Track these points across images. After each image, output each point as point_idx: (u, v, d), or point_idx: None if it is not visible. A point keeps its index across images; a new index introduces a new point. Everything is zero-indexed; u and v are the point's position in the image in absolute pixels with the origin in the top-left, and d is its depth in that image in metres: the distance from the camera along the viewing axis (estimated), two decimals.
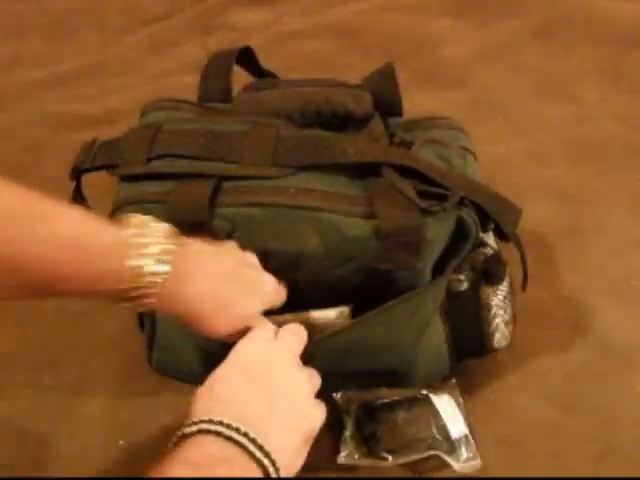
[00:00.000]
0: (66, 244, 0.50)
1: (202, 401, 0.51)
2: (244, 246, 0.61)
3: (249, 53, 0.74)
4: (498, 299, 0.69)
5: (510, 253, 0.67)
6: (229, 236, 0.61)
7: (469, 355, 0.72)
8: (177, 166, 0.62)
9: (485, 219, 0.63)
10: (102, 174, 0.66)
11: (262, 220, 0.60)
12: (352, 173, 0.62)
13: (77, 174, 0.67)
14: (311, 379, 0.56)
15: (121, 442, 0.69)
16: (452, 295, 0.67)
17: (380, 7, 1.38)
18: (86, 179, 0.68)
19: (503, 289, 0.69)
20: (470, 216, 0.62)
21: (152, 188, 0.62)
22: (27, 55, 1.29)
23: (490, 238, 0.67)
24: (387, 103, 0.70)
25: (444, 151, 0.66)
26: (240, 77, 0.75)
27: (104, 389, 0.74)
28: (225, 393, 0.51)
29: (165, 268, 0.52)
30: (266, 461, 0.47)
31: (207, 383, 0.52)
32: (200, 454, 0.46)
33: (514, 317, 0.71)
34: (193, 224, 0.59)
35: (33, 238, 0.49)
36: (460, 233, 0.62)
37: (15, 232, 0.49)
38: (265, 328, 0.58)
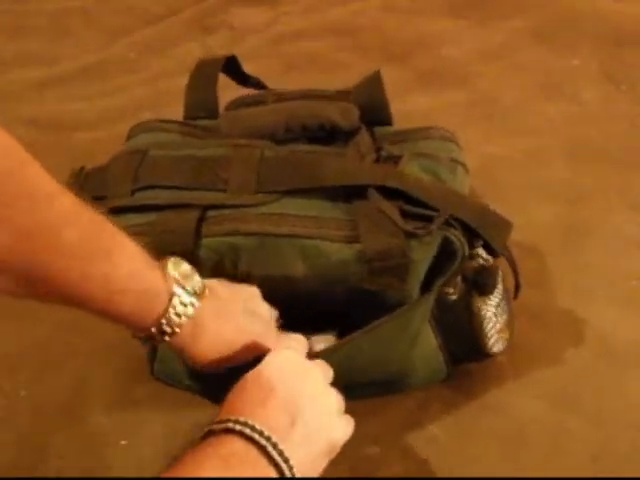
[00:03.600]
0: (119, 288, 0.52)
1: (233, 401, 0.52)
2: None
3: (233, 62, 0.75)
4: (490, 308, 0.68)
5: (502, 258, 0.68)
6: (216, 265, 0.61)
7: (466, 360, 0.72)
8: (162, 197, 0.63)
9: (474, 235, 0.63)
10: None
11: (247, 249, 0.61)
12: (337, 195, 0.62)
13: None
14: (338, 396, 0.56)
15: (123, 442, 0.69)
16: (443, 306, 0.67)
17: (380, 7, 1.38)
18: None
19: (495, 298, 0.68)
20: (457, 237, 0.61)
21: (136, 220, 0.62)
22: (27, 55, 1.29)
23: (481, 249, 0.67)
24: (375, 113, 0.70)
25: (433, 165, 0.66)
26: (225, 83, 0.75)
27: (105, 390, 0.74)
28: (256, 396, 0.52)
29: (191, 311, 0.55)
30: (284, 466, 0.48)
31: (240, 384, 0.53)
32: (222, 451, 0.47)
33: (511, 323, 0.71)
34: (180, 254, 0.58)
35: (88, 275, 0.50)
36: (447, 253, 0.62)
37: (71, 269, 0.49)
38: (299, 341, 0.60)
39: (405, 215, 0.60)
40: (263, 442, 0.48)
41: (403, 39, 1.28)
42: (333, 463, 0.67)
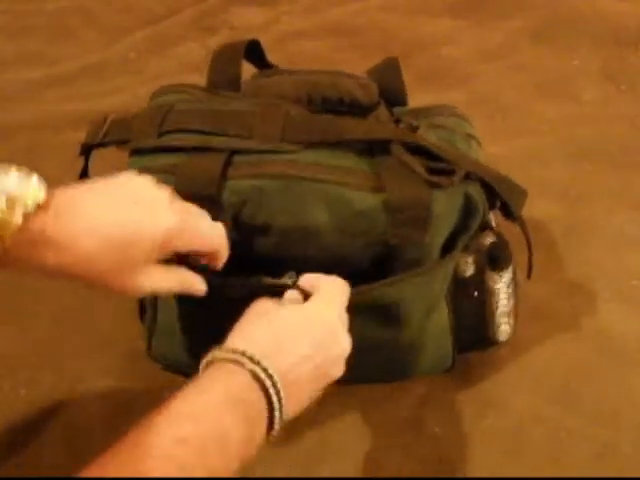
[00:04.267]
0: None
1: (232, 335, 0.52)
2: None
3: (256, 47, 0.74)
4: (503, 286, 0.69)
5: (512, 244, 0.68)
6: (238, 210, 0.61)
7: (471, 347, 0.73)
8: (188, 140, 0.63)
9: (492, 197, 0.64)
10: (110, 159, 0.65)
11: (271, 192, 0.60)
12: (361, 150, 0.63)
13: (87, 150, 0.67)
14: (346, 340, 0.56)
15: None
16: (458, 281, 0.68)
17: (380, 7, 1.38)
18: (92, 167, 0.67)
19: (507, 277, 0.70)
20: (477, 192, 0.62)
21: (162, 160, 0.62)
22: (27, 55, 1.29)
23: (492, 221, 0.68)
24: (392, 94, 0.70)
25: (449, 135, 0.67)
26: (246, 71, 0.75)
27: (103, 388, 0.74)
28: (255, 331, 0.52)
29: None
30: (268, 382, 0.48)
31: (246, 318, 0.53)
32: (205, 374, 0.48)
33: (516, 310, 0.72)
34: (202, 197, 0.59)
35: None
36: (468, 209, 0.63)
37: None
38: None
39: (428, 170, 0.61)
40: (244, 360, 0.48)
41: (403, 39, 1.28)
42: (335, 460, 0.67)
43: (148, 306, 0.72)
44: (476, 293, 0.69)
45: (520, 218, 0.65)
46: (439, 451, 0.68)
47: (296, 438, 0.70)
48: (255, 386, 0.48)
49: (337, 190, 0.60)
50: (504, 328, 0.71)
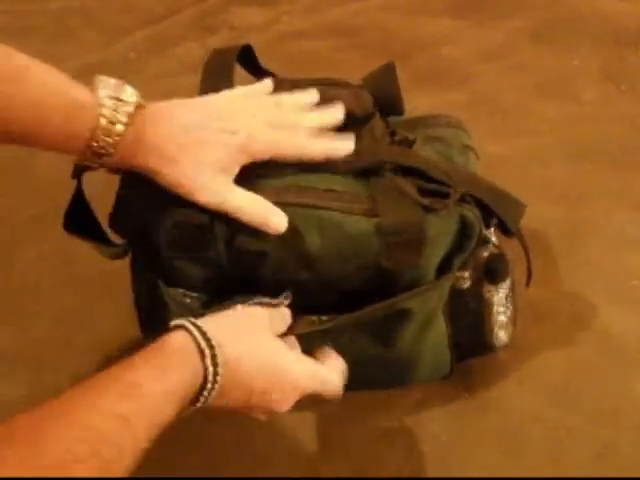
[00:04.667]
0: (39, 103, 0.52)
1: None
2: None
3: (249, 52, 0.74)
4: (500, 298, 0.69)
5: (511, 252, 0.68)
6: (232, 238, 0.60)
7: (470, 355, 0.73)
8: None
9: (488, 215, 0.63)
10: (103, 174, 0.66)
11: None
12: (354, 172, 0.62)
13: (79, 172, 0.67)
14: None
15: None
16: (455, 293, 0.68)
17: (380, 7, 1.38)
18: (87, 179, 0.68)
19: (505, 288, 0.69)
20: (473, 213, 0.62)
21: None
22: (28, 55, 1.29)
23: (492, 235, 0.67)
24: (388, 102, 0.70)
25: (446, 148, 0.66)
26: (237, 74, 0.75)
27: None
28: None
29: (123, 123, 0.53)
30: (207, 351, 0.50)
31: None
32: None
33: (515, 317, 0.71)
34: (196, 225, 0.58)
35: (10, 97, 0.51)
36: (463, 230, 0.62)
37: None
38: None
39: (421, 191, 0.61)
40: (196, 333, 0.51)
41: (403, 39, 1.28)
42: (335, 460, 0.67)
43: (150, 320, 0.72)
44: (473, 304, 0.69)
45: (518, 232, 0.65)
46: (439, 451, 0.68)
47: (296, 438, 0.70)
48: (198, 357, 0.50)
49: (329, 215, 0.60)
50: (502, 336, 0.71)
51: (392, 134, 0.66)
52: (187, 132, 0.56)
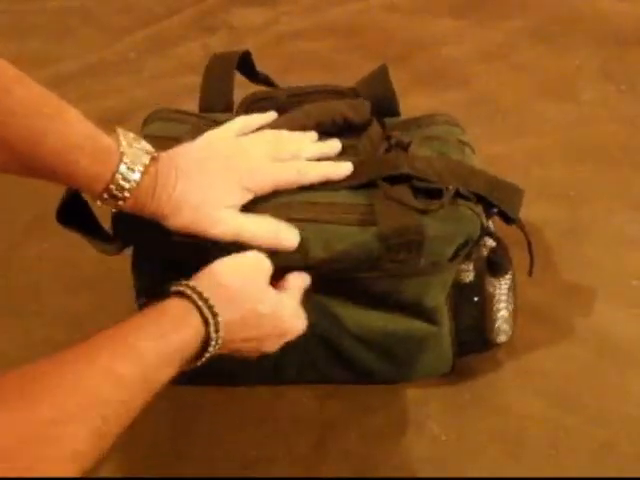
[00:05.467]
0: (74, 145, 0.55)
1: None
2: None
3: (247, 58, 0.75)
4: (502, 291, 0.70)
5: (511, 247, 0.68)
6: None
7: (471, 350, 0.73)
8: None
9: (488, 206, 0.64)
10: None
11: None
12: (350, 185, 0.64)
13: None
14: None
15: None
16: (458, 287, 0.69)
17: (380, 7, 1.38)
18: None
19: (507, 281, 0.70)
20: (472, 207, 0.63)
21: None
22: (27, 55, 1.29)
23: (492, 228, 0.68)
24: (383, 105, 0.71)
25: (442, 146, 0.68)
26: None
27: None
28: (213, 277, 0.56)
29: (140, 171, 0.58)
30: (209, 315, 0.52)
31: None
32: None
33: (515, 315, 0.72)
34: (199, 246, 0.60)
35: (43, 135, 0.54)
36: (465, 226, 0.63)
37: (27, 128, 0.54)
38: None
39: (417, 191, 0.63)
40: (194, 296, 0.52)
41: (403, 39, 1.28)
42: (335, 461, 0.67)
43: None
44: (476, 298, 0.70)
45: (519, 220, 0.66)
46: (439, 451, 0.68)
47: (296, 438, 0.70)
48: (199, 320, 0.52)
49: (331, 227, 0.61)
50: (504, 330, 0.71)
51: (388, 138, 0.67)
52: (193, 177, 0.60)
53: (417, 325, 0.68)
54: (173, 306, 0.53)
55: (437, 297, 0.67)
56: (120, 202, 0.58)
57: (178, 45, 1.31)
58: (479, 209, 0.63)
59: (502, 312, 0.70)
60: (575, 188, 0.96)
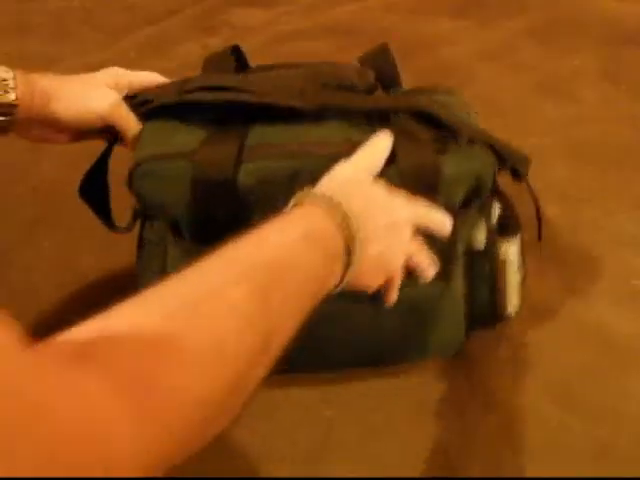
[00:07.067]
0: None
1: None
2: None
3: (236, 52, 0.75)
4: (514, 255, 0.72)
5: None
6: (252, 191, 0.62)
7: (480, 324, 0.74)
8: (208, 97, 0.65)
9: (498, 160, 0.66)
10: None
11: (285, 173, 0.62)
12: (369, 121, 0.65)
13: (111, 141, 0.70)
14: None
15: None
16: (471, 255, 0.70)
17: (380, 7, 1.38)
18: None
19: (517, 243, 0.72)
20: (486, 153, 0.64)
21: (179, 140, 0.64)
22: (27, 55, 1.29)
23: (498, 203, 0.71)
24: (386, 77, 0.72)
25: (448, 108, 0.68)
26: None
27: None
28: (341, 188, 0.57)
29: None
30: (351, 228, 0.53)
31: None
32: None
33: (523, 286, 0.74)
34: (219, 181, 0.61)
35: None
36: (479, 171, 0.64)
37: None
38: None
39: (432, 136, 0.64)
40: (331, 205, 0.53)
41: (403, 39, 1.28)
42: (335, 460, 0.67)
43: None
44: (488, 266, 0.71)
45: (526, 179, 0.68)
46: (440, 451, 0.68)
47: (297, 437, 0.70)
48: (337, 233, 0.52)
49: None
50: (514, 301, 0.73)
51: None
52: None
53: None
54: (318, 228, 0.52)
55: (451, 249, 0.68)
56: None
57: (178, 45, 1.31)
58: (494, 158, 0.65)
59: (513, 280, 0.72)
60: (575, 188, 0.96)
